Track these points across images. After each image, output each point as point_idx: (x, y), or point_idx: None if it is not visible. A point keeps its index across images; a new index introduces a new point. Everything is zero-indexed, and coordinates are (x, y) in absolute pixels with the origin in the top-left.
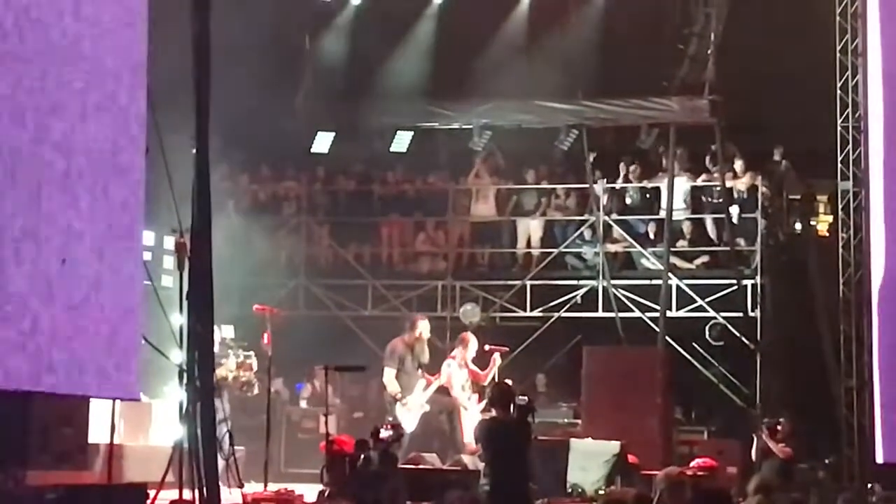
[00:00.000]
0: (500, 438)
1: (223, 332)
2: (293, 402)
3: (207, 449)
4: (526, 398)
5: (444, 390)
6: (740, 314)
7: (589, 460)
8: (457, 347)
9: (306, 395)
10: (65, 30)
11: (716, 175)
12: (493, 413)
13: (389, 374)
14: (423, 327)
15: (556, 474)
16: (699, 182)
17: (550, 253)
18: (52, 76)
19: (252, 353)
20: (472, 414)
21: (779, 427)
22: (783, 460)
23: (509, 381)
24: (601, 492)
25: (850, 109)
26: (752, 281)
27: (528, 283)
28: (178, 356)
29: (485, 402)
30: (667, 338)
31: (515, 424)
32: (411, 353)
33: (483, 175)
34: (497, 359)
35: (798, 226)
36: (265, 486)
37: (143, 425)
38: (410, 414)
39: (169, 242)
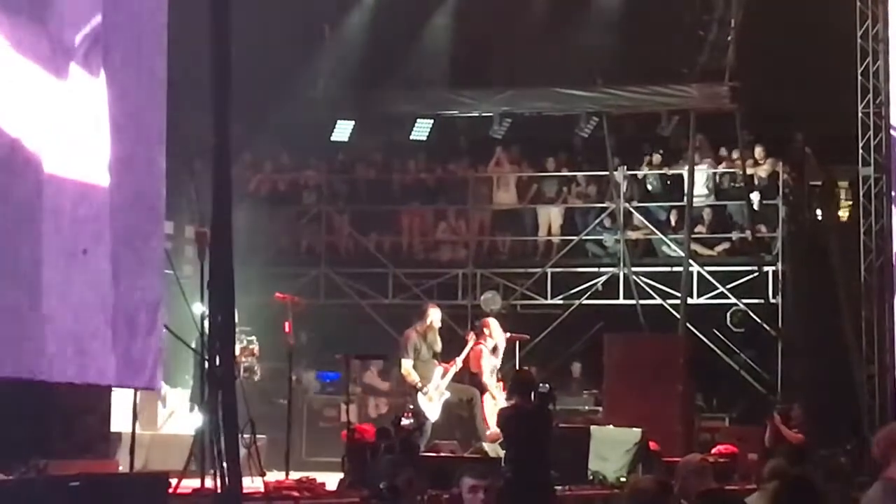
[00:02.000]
0: (521, 426)
1: None
2: (316, 390)
3: (229, 438)
4: (548, 386)
5: (459, 378)
6: (761, 301)
7: (610, 448)
8: (483, 334)
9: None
10: None
11: (737, 162)
12: (514, 401)
13: (407, 365)
14: (434, 315)
15: (578, 462)
16: (720, 169)
17: (571, 240)
18: None
19: (254, 337)
20: (500, 402)
21: (791, 413)
22: (796, 445)
23: (530, 369)
24: (622, 479)
25: (870, 95)
26: (774, 267)
27: (549, 270)
28: (198, 345)
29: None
30: (688, 325)
31: (536, 412)
32: (425, 342)
33: (503, 163)
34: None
35: (819, 212)
36: (286, 474)
37: (164, 414)
38: (432, 403)
39: (189, 232)
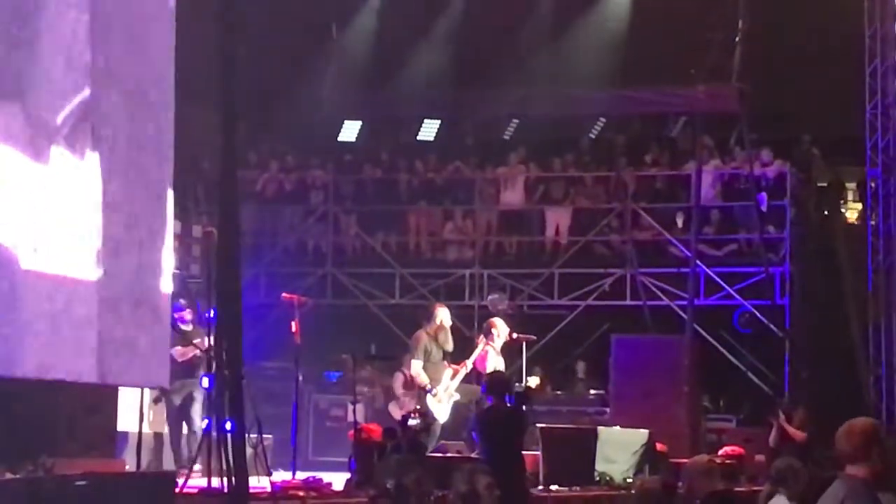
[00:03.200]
0: (494, 427)
1: None
2: (321, 390)
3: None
4: (522, 386)
5: (468, 379)
6: (768, 302)
7: (617, 449)
8: (490, 334)
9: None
10: None
11: (744, 162)
12: (490, 402)
13: (417, 367)
14: (443, 315)
15: (584, 463)
16: (727, 170)
17: (578, 241)
18: None
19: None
20: None
21: (795, 413)
22: (799, 445)
23: (503, 370)
24: (629, 480)
25: (878, 96)
26: (781, 269)
27: (556, 271)
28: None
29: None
30: (695, 326)
31: (510, 413)
32: (435, 342)
33: (512, 163)
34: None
35: (826, 213)
36: (293, 474)
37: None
38: (442, 405)
39: (196, 231)
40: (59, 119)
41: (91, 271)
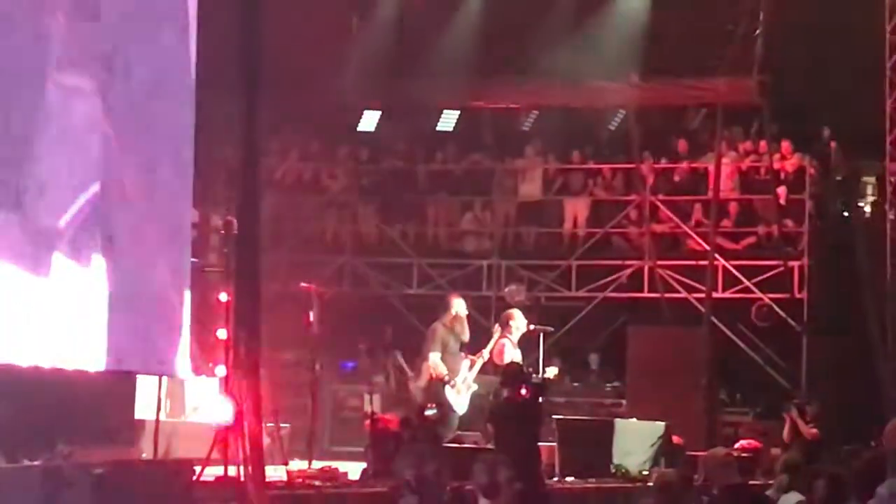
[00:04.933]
0: (511, 419)
1: None
2: (339, 380)
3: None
4: (540, 378)
5: (485, 369)
6: (787, 295)
7: (634, 441)
8: (508, 326)
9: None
10: None
11: (763, 156)
12: (505, 394)
13: (434, 358)
14: (459, 305)
15: (601, 455)
16: (747, 163)
17: (596, 233)
18: None
19: None
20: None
21: (808, 408)
22: (810, 441)
23: (520, 362)
24: (645, 473)
25: None
26: (799, 262)
27: (574, 263)
28: (223, 333)
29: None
30: (712, 319)
31: (527, 405)
32: (452, 334)
33: (530, 155)
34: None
35: (845, 207)
36: (309, 463)
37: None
38: (460, 396)
39: (216, 220)
40: (62, 223)
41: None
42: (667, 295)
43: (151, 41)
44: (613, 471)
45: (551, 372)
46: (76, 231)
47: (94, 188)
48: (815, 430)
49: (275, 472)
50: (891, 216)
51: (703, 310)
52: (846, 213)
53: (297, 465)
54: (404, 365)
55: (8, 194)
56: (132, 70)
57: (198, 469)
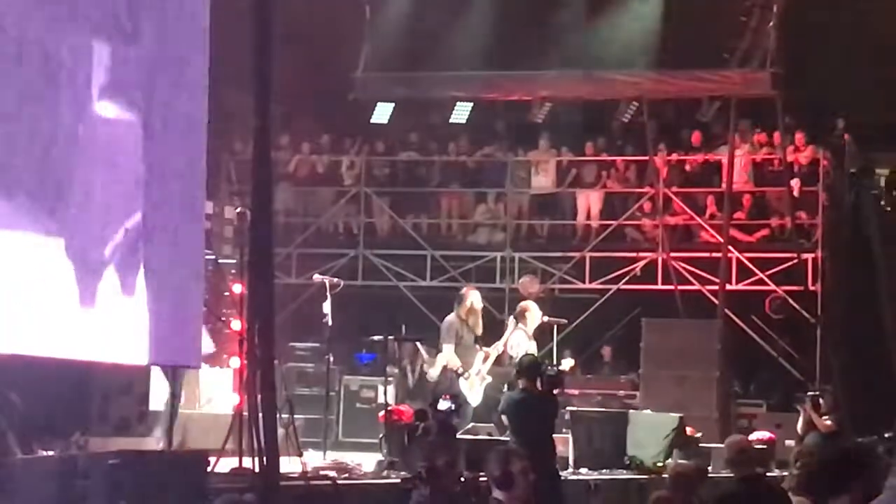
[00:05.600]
0: (526, 411)
1: None
2: (352, 371)
3: (267, 417)
4: (555, 370)
5: (500, 362)
6: (801, 288)
7: (648, 433)
8: (523, 318)
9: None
10: None
11: (777, 148)
12: (521, 385)
13: (448, 350)
14: (474, 297)
15: (616, 446)
16: (760, 155)
17: (610, 225)
18: None
19: None
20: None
21: (821, 400)
22: (824, 434)
23: (534, 354)
24: (659, 464)
25: None
26: (813, 254)
27: (588, 255)
28: (237, 325)
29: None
30: (726, 311)
31: (542, 396)
32: (466, 326)
33: (543, 147)
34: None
35: (859, 199)
36: (324, 454)
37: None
38: (474, 388)
39: (229, 212)
40: (107, 252)
41: None
42: (680, 287)
43: (182, 66)
44: (627, 462)
45: (566, 364)
46: (120, 260)
47: (136, 217)
48: (829, 423)
49: (289, 464)
50: None
51: (716, 302)
52: (860, 205)
53: (312, 456)
54: (423, 352)
55: (49, 220)
56: (165, 97)
57: (212, 460)
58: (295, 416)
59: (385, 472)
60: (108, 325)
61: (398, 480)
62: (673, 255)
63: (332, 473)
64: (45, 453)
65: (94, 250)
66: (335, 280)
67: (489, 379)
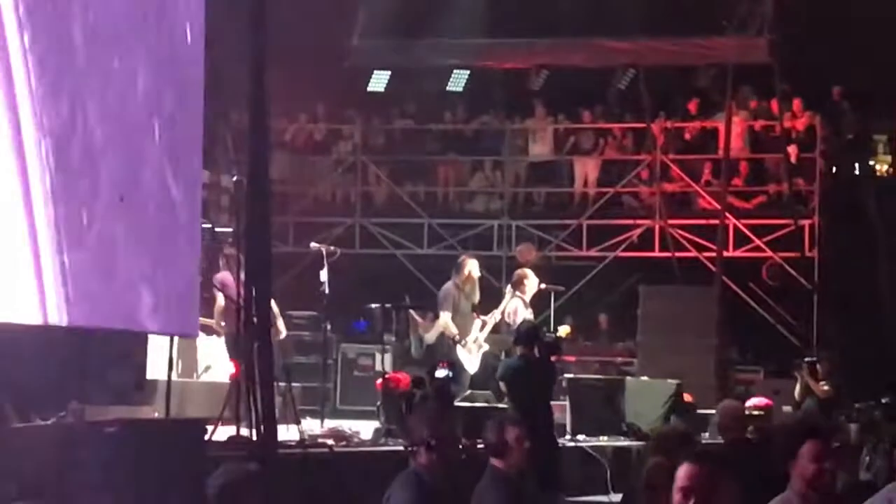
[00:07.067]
0: (524, 378)
1: None
2: (349, 339)
3: (264, 386)
4: (553, 337)
5: (497, 329)
6: (798, 254)
7: (646, 400)
8: (522, 285)
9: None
10: None
11: (774, 114)
12: (519, 352)
13: (445, 318)
14: (472, 266)
15: (613, 413)
16: (757, 121)
17: (607, 192)
18: None
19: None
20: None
21: (818, 367)
22: (822, 399)
23: (532, 319)
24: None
25: None
26: (810, 221)
27: (585, 222)
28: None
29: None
30: (723, 278)
31: (540, 363)
32: (464, 294)
33: (540, 114)
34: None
35: (857, 166)
36: (321, 422)
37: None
38: (471, 356)
39: (226, 181)
40: None
41: None
42: (678, 254)
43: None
44: (625, 429)
45: (563, 330)
46: None
47: None
48: (826, 388)
49: (287, 432)
50: None
51: (714, 269)
52: (857, 172)
53: (309, 424)
54: (416, 317)
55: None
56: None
57: (210, 428)
58: (292, 384)
59: (382, 440)
60: (103, 293)
61: (396, 448)
62: (670, 222)
63: (330, 441)
64: (42, 422)
65: (87, 216)
66: (332, 248)
67: (486, 346)
